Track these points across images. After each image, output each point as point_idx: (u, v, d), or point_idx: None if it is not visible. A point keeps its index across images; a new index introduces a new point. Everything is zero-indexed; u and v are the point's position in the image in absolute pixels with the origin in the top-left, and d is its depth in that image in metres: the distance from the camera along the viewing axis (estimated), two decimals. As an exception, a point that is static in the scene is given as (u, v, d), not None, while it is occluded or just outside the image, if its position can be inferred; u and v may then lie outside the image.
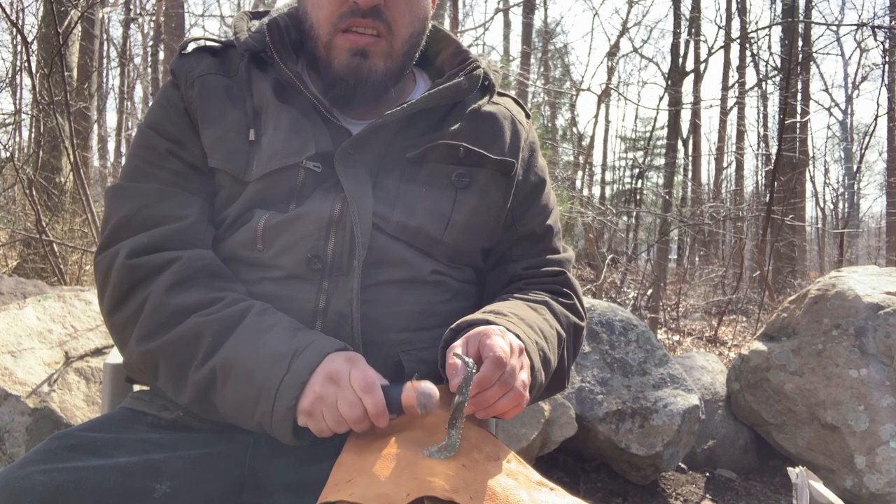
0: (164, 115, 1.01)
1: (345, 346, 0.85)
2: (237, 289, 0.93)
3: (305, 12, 0.98)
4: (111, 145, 16.45)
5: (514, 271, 1.07)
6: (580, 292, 1.10)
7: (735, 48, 13.31)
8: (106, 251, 0.94)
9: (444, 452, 0.77)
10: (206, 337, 0.85)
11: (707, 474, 2.86)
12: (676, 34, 8.60)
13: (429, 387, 0.78)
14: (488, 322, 0.88)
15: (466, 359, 0.79)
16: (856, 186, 17.14)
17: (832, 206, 18.35)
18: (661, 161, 12.65)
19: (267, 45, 0.99)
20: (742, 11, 11.91)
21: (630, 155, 15.98)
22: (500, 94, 1.12)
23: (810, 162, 13.15)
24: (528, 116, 1.14)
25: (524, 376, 0.83)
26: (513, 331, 0.87)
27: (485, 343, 0.81)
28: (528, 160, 1.09)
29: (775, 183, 6.30)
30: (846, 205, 18.34)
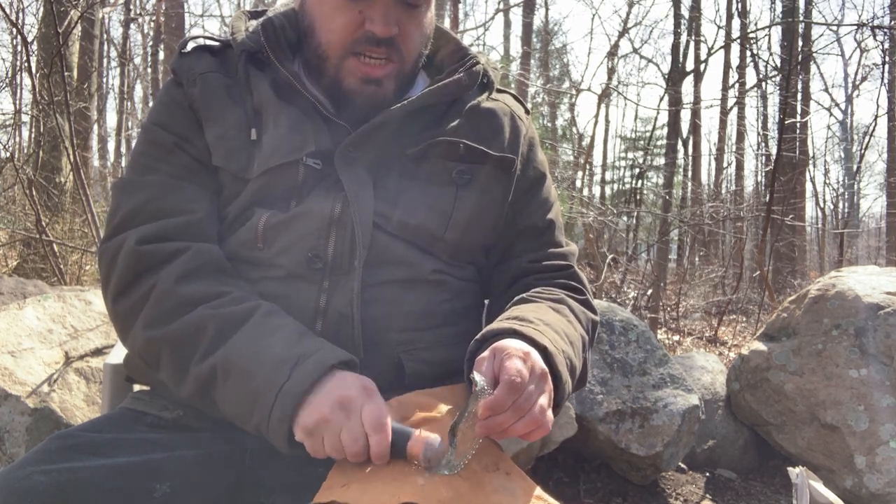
0: (167, 111, 1.00)
1: (350, 357, 0.84)
2: (243, 286, 0.93)
3: (312, 28, 0.98)
4: (111, 145, 16.47)
5: (519, 266, 1.07)
6: (588, 285, 1.09)
7: (735, 48, 13.30)
8: (113, 239, 0.94)
9: (441, 470, 0.76)
10: (210, 331, 0.85)
11: (707, 474, 2.86)
12: (676, 34, 8.60)
13: (436, 441, 0.76)
14: (515, 332, 0.86)
15: (478, 379, 0.77)
16: (856, 186, 17.14)
17: (832, 206, 18.33)
18: (661, 161, 12.64)
19: (263, 45, 0.99)
20: (742, 12, 11.91)
21: (630, 155, 16.00)
22: (500, 91, 1.12)
23: (810, 162, 13.14)
24: (527, 112, 1.14)
25: (543, 401, 0.80)
26: (540, 341, 0.85)
27: (503, 364, 0.79)
28: (528, 155, 1.09)
29: (775, 183, 6.29)
30: (846, 205, 18.33)
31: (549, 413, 0.81)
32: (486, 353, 0.82)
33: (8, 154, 5.64)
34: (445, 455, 0.77)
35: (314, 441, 0.78)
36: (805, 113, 11.08)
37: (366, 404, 0.78)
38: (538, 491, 0.80)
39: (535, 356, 0.83)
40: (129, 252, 0.90)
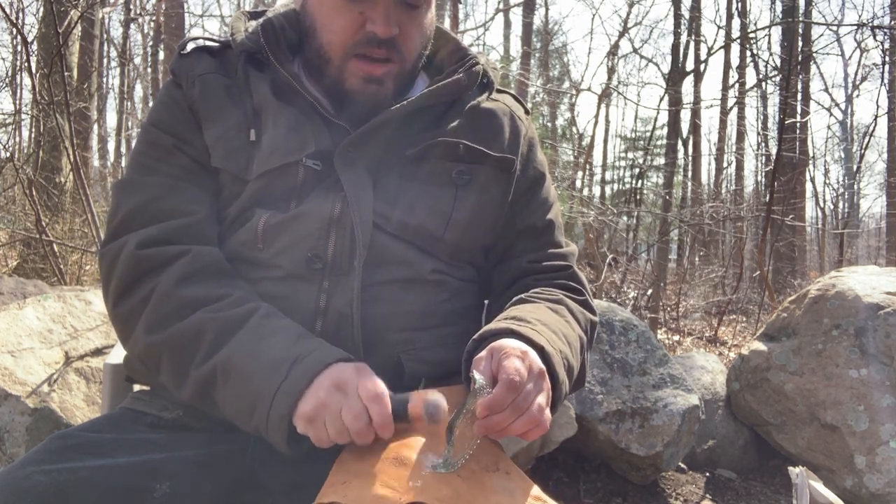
0: (167, 112, 1.00)
1: (348, 356, 0.84)
2: (244, 287, 0.93)
3: (314, 29, 0.98)
4: (111, 145, 16.47)
5: (518, 266, 1.07)
6: (587, 286, 1.09)
7: (735, 48, 13.30)
8: (113, 242, 0.94)
9: (439, 468, 0.76)
10: (209, 334, 0.85)
11: (707, 474, 2.86)
12: (676, 34, 8.60)
13: (436, 396, 0.76)
14: (512, 331, 0.86)
15: (478, 377, 0.77)
16: (856, 186, 17.13)
17: (832, 206, 18.31)
18: (661, 161, 12.64)
19: (262, 46, 0.99)
20: (742, 12, 11.90)
21: (630, 155, 16.01)
22: (499, 91, 1.12)
23: (810, 162, 13.14)
24: (527, 112, 1.14)
25: (541, 400, 0.80)
26: (538, 341, 0.85)
27: (501, 364, 0.79)
28: (528, 155, 1.09)
29: (775, 183, 6.29)
30: (846, 205, 18.30)
31: (547, 412, 0.81)
32: (483, 353, 0.83)
33: (8, 154, 5.64)
34: (444, 450, 0.77)
35: (317, 428, 0.78)
36: (805, 113, 11.08)
37: (360, 381, 0.79)
38: (536, 491, 0.80)
39: (533, 355, 0.83)
40: (130, 256, 0.91)
